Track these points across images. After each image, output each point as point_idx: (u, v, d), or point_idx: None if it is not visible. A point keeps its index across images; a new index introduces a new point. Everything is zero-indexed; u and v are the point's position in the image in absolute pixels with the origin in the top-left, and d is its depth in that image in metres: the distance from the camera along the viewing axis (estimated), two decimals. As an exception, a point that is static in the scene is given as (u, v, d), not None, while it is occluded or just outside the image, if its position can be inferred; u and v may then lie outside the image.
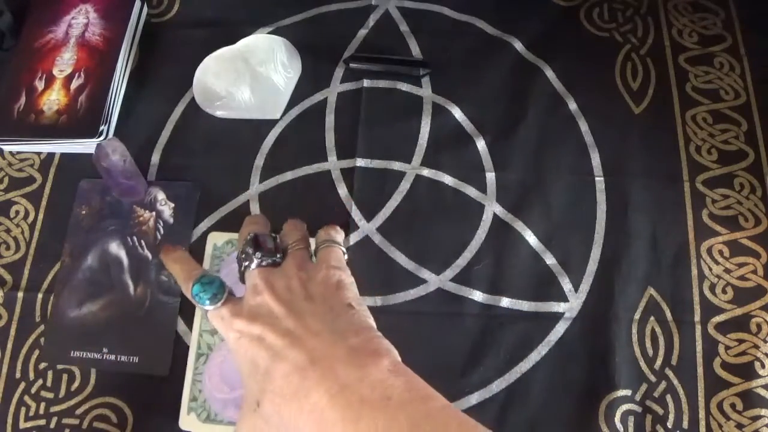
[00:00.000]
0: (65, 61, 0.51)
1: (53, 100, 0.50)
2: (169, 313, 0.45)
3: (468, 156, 0.49)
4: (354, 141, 0.50)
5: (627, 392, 0.42)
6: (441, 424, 0.27)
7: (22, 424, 0.43)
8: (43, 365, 0.45)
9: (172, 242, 0.47)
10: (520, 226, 0.47)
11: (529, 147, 0.49)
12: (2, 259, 0.48)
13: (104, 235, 0.48)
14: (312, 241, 0.37)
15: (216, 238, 0.47)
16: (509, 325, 0.44)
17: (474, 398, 0.43)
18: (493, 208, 0.48)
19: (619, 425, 0.42)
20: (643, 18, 0.54)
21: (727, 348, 0.43)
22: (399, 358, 0.31)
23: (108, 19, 0.53)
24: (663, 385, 0.43)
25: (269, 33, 0.54)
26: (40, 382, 0.44)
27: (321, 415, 0.28)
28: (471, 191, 0.48)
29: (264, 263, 0.35)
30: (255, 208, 0.49)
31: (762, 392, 0.42)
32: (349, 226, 0.47)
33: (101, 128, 0.48)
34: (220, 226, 0.48)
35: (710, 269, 0.45)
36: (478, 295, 0.45)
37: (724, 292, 0.45)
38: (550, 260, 0.46)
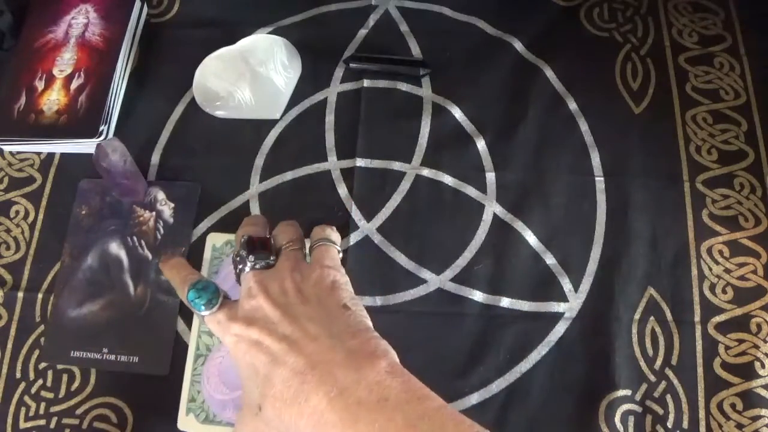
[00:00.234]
0: (65, 61, 0.51)
1: (53, 100, 0.50)
2: (168, 313, 0.45)
3: (468, 156, 0.49)
4: (354, 141, 0.50)
5: (627, 392, 0.42)
6: (437, 424, 0.27)
7: (22, 424, 0.43)
8: (43, 365, 0.45)
9: (173, 242, 0.47)
10: (520, 226, 0.47)
11: (529, 147, 0.49)
12: (2, 259, 0.48)
13: (104, 235, 0.48)
14: (307, 241, 0.37)
15: (215, 239, 0.47)
16: (509, 325, 0.44)
17: (474, 398, 0.43)
18: (493, 208, 0.48)
19: (619, 425, 0.42)
20: (643, 18, 0.54)
21: (727, 348, 0.43)
22: (396, 359, 0.31)
23: (108, 19, 0.53)
24: (663, 385, 0.43)
25: (269, 33, 0.53)
26: (40, 382, 0.44)
27: (320, 418, 0.28)
28: (471, 191, 0.48)
29: (258, 266, 0.35)
30: (255, 208, 0.49)
31: (762, 392, 0.42)
32: (349, 226, 0.47)
33: (101, 128, 0.48)
34: (221, 226, 0.48)
35: (710, 269, 0.45)
36: (478, 295, 0.45)
37: (724, 292, 0.45)
38: (550, 260, 0.46)
